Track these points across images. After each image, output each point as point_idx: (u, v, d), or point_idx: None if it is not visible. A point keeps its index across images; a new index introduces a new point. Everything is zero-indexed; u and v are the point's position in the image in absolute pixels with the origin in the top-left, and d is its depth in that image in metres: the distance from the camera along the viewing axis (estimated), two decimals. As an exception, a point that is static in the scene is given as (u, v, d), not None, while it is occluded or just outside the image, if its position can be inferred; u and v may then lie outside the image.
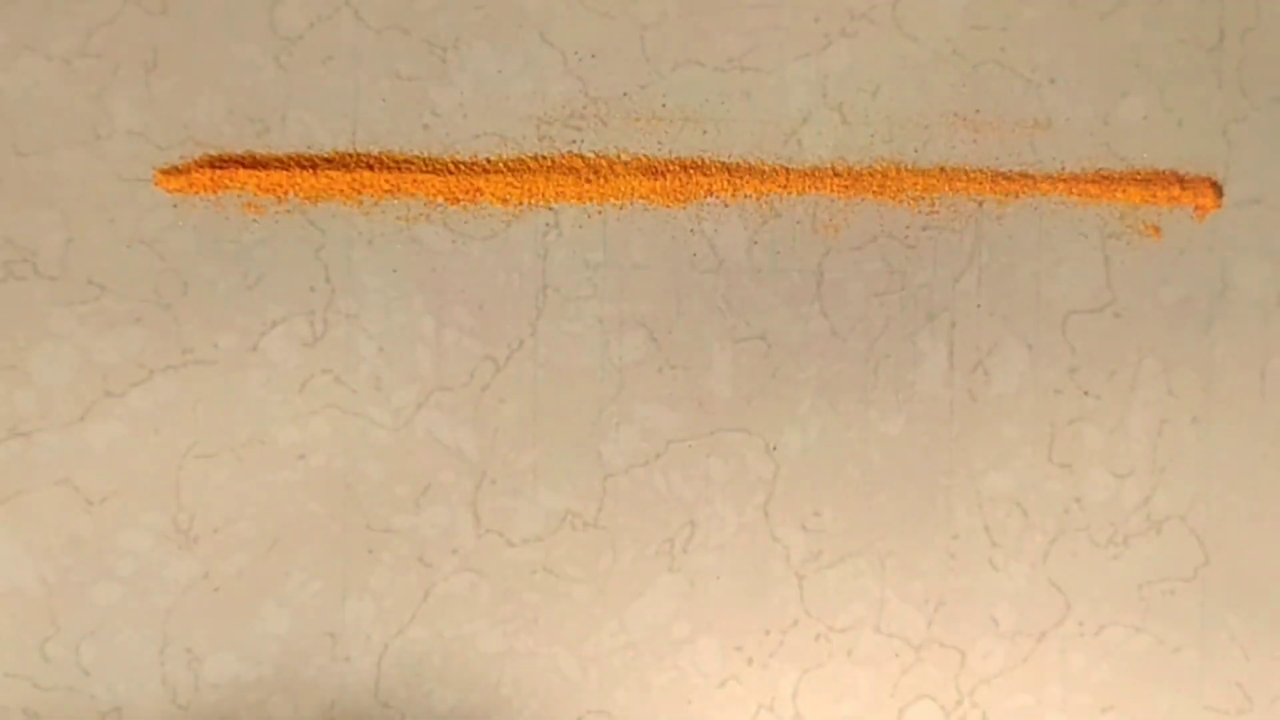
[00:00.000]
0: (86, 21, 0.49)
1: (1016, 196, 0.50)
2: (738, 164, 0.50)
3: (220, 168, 0.48)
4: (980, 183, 0.50)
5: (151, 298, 0.48)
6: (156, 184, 0.48)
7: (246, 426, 0.49)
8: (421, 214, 0.49)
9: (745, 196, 0.49)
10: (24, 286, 0.48)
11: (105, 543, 0.48)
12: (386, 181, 0.49)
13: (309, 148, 0.49)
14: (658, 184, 0.49)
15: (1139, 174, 0.50)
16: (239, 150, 0.49)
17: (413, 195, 0.49)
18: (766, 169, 0.50)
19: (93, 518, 0.48)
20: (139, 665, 0.49)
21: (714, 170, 0.50)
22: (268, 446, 0.49)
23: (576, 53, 0.50)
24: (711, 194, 0.49)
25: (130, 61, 0.49)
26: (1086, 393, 0.50)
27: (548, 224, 0.49)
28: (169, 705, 0.49)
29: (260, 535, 0.49)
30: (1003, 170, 0.50)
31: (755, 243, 0.50)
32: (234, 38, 0.49)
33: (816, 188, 0.49)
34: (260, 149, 0.49)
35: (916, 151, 0.50)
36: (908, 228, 0.50)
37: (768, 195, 0.49)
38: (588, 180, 0.49)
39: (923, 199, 0.50)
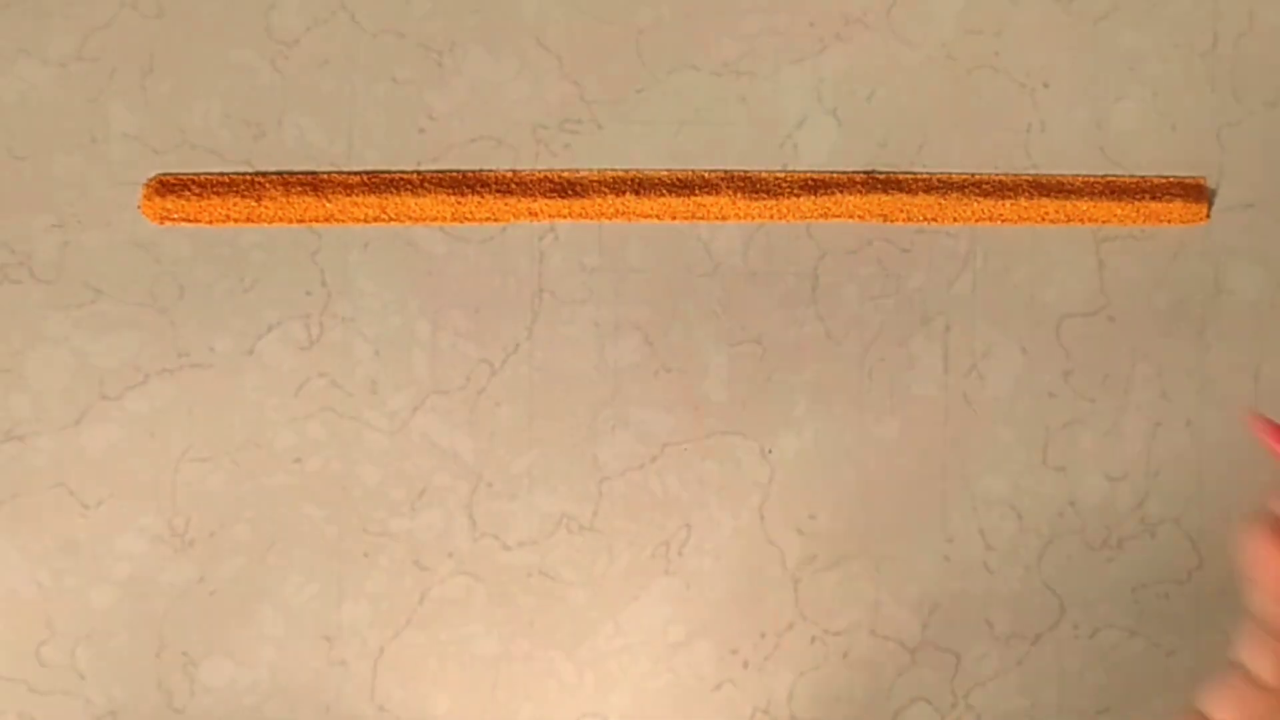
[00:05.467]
0: (82, 25, 0.49)
1: (1011, 200, 0.50)
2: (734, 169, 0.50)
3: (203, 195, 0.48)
4: (975, 186, 0.50)
5: (147, 301, 0.48)
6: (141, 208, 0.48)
7: (242, 430, 0.49)
8: (417, 218, 0.49)
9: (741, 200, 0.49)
10: (20, 290, 0.48)
11: (101, 546, 0.48)
12: (378, 206, 0.49)
13: (305, 152, 0.49)
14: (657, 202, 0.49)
15: (1133, 178, 0.51)
16: (236, 158, 0.49)
17: (406, 220, 0.49)
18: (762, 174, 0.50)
19: (88, 521, 0.48)
20: (135, 669, 0.49)
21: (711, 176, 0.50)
22: (263, 450, 0.49)
23: (572, 57, 0.50)
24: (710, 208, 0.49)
25: (126, 66, 0.49)
26: (1080, 396, 0.51)
27: (544, 228, 0.50)
28: (165, 709, 0.49)
29: (256, 539, 0.49)
30: (998, 174, 0.50)
31: (750, 246, 0.50)
32: (230, 42, 0.49)
33: (812, 192, 0.49)
34: (257, 153, 0.49)
35: (911, 156, 0.50)
36: (902, 232, 0.50)
37: (763, 199, 0.49)
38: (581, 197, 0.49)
39: (918, 204, 0.50)
